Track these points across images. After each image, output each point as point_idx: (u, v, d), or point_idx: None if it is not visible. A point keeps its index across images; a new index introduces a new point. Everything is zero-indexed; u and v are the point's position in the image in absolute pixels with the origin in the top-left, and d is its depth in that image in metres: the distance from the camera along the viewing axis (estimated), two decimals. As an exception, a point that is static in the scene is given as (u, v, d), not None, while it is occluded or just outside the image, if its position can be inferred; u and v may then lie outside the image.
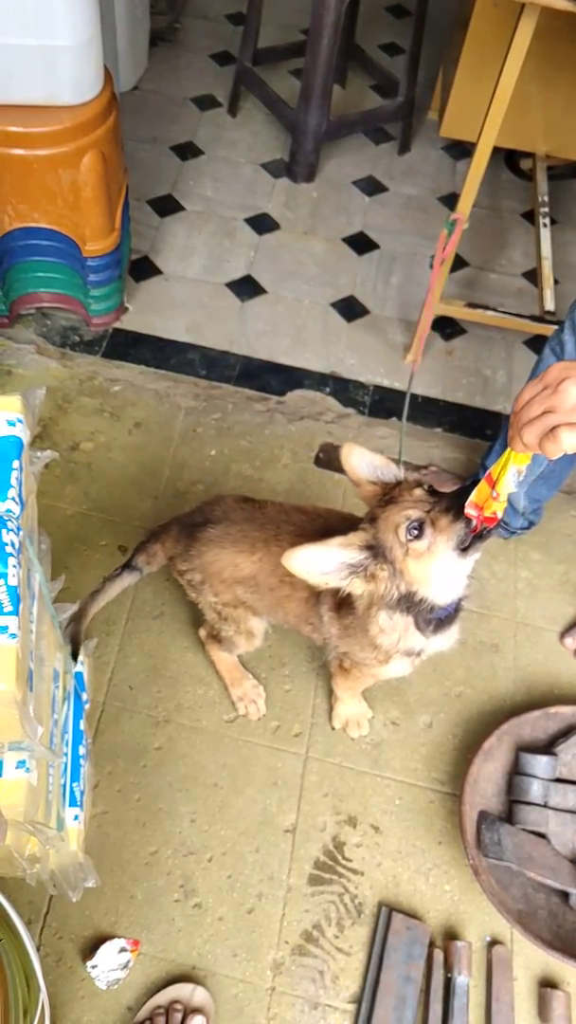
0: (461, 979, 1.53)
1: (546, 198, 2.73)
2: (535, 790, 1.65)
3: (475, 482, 1.16)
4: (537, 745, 1.74)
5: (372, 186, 2.98)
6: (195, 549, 1.60)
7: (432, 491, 1.27)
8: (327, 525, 1.52)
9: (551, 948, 1.49)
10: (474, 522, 1.18)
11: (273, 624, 1.74)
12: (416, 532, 1.22)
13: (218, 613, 1.68)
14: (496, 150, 2.02)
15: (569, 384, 0.99)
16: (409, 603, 1.30)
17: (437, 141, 3.13)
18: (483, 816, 1.62)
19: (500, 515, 1.16)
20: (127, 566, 1.73)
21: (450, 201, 2.95)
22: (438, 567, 1.25)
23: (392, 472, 1.33)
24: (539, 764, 1.67)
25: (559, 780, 1.69)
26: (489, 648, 1.96)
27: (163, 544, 1.70)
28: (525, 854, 1.59)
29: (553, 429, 1.00)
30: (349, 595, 1.35)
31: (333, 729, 1.81)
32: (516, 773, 1.69)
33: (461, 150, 3.12)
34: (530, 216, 2.91)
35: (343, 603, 1.44)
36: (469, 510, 1.16)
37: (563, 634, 1.99)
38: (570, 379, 1.00)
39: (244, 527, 1.58)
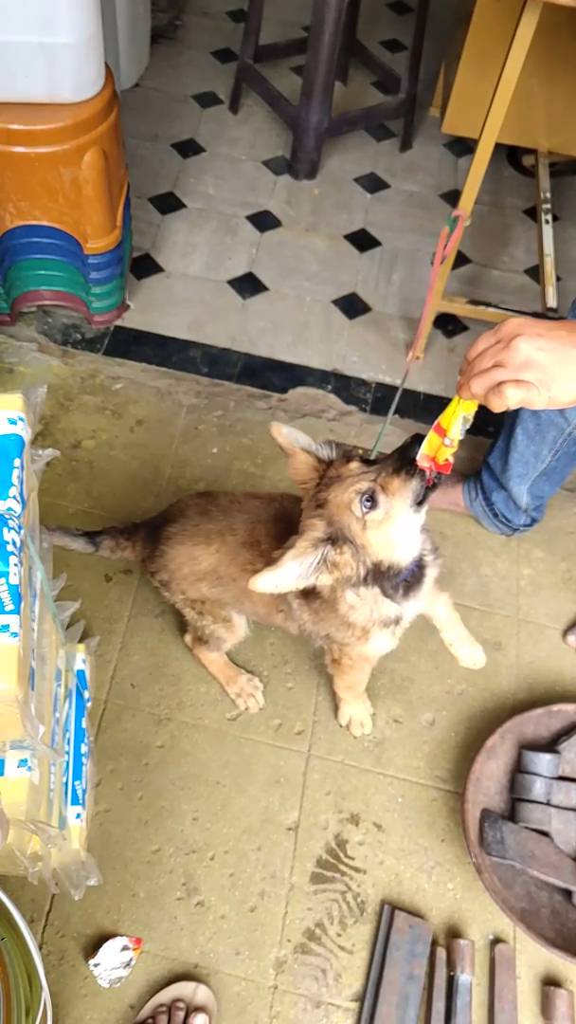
0: (464, 977, 1.53)
1: (548, 195, 2.72)
2: (538, 788, 1.65)
3: (416, 437, 1.18)
4: (540, 743, 1.74)
5: (374, 183, 2.98)
6: (158, 550, 1.65)
7: (366, 459, 1.27)
8: (282, 509, 1.54)
9: (554, 946, 1.49)
10: (428, 474, 1.20)
11: (247, 618, 1.74)
12: (370, 503, 1.22)
13: (193, 609, 1.70)
14: (498, 147, 2.02)
15: (521, 341, 1.01)
16: (376, 574, 1.30)
17: (439, 138, 3.13)
18: (486, 814, 1.62)
19: (451, 460, 1.18)
20: (90, 536, 1.77)
21: (452, 198, 2.94)
22: (398, 529, 1.25)
23: (322, 450, 1.32)
24: (542, 762, 1.67)
25: (562, 778, 1.68)
26: (492, 646, 1.95)
27: (133, 544, 1.74)
28: (528, 852, 1.58)
29: (500, 384, 1.02)
30: (316, 592, 1.36)
31: (341, 726, 1.81)
32: (519, 771, 1.69)
33: (463, 147, 3.11)
34: (532, 213, 2.90)
35: (306, 594, 1.44)
36: (423, 462, 1.18)
37: (566, 632, 1.98)
38: (523, 336, 1.02)
39: (199, 521, 1.62)
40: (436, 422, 1.15)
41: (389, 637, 1.49)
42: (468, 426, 1.14)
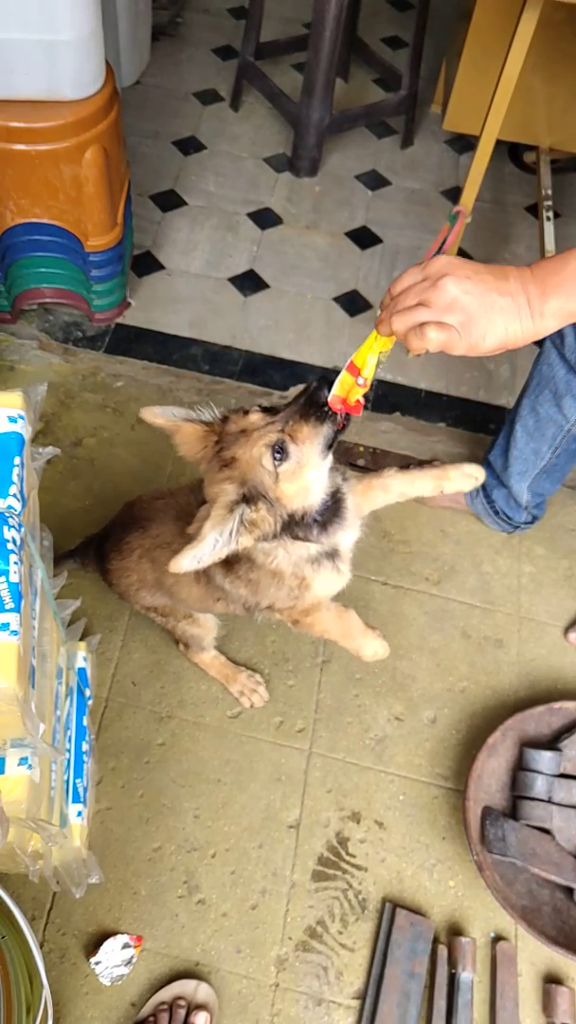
0: (465, 975, 1.53)
1: (550, 191, 2.71)
2: (539, 786, 1.65)
3: (323, 379, 1.15)
4: (541, 741, 1.74)
5: (375, 180, 2.97)
6: (103, 568, 1.67)
7: (266, 408, 1.23)
8: (185, 502, 1.53)
9: (555, 944, 1.49)
10: (338, 417, 1.17)
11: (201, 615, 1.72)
12: (280, 454, 1.17)
13: (156, 613, 1.71)
14: (499, 143, 2.02)
15: (449, 281, 0.99)
16: (291, 524, 1.25)
17: (440, 135, 3.12)
18: (487, 812, 1.62)
19: (363, 402, 1.15)
20: (69, 554, 1.81)
21: (453, 195, 2.94)
22: (311, 476, 1.21)
23: (204, 414, 1.26)
24: (543, 760, 1.67)
25: (563, 776, 1.68)
26: (493, 643, 1.95)
27: (88, 565, 1.79)
28: (529, 850, 1.58)
29: (422, 325, 1.00)
30: (234, 556, 1.30)
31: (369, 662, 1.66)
32: (520, 769, 1.69)
33: (464, 144, 3.11)
34: (534, 210, 2.90)
35: (228, 563, 1.37)
36: (335, 404, 1.15)
37: (567, 629, 1.98)
38: (451, 276, 1.00)
39: (121, 533, 1.63)
40: (350, 360, 1.12)
41: (333, 573, 1.39)
42: (382, 366, 1.11)
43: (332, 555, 1.37)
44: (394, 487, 1.45)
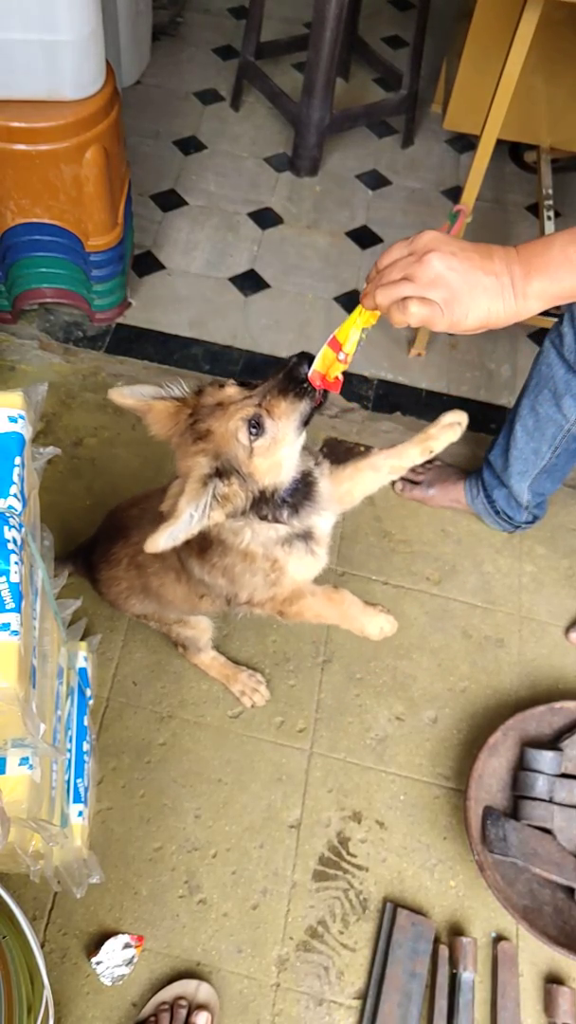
0: (466, 975, 1.53)
1: (550, 191, 2.71)
2: (540, 786, 1.65)
3: (303, 355, 1.14)
4: (542, 740, 1.74)
5: (375, 180, 2.97)
6: (93, 579, 1.69)
7: (243, 382, 1.21)
8: (147, 507, 1.53)
9: (556, 944, 1.49)
10: (317, 393, 1.16)
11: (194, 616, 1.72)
12: (256, 429, 1.15)
13: (147, 619, 1.72)
14: (500, 143, 2.01)
15: (434, 257, 0.99)
16: (261, 501, 1.23)
17: (441, 134, 3.12)
18: (488, 812, 1.62)
19: (341, 379, 1.15)
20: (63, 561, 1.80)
21: (454, 195, 2.94)
22: (284, 452, 1.20)
23: (175, 390, 1.24)
24: (544, 760, 1.67)
25: (564, 776, 1.68)
26: (494, 643, 1.95)
27: (79, 572, 1.80)
28: (530, 850, 1.58)
29: (405, 299, 1.01)
30: (206, 542, 1.30)
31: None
32: (521, 769, 1.69)
33: (465, 143, 3.11)
34: (534, 209, 2.90)
35: (202, 549, 1.37)
36: (315, 379, 1.14)
37: (568, 629, 1.98)
38: (436, 252, 1.00)
39: (106, 544, 1.64)
40: (332, 336, 1.11)
41: (307, 556, 1.36)
42: (364, 343, 1.10)
43: (306, 537, 1.35)
44: (382, 463, 1.43)
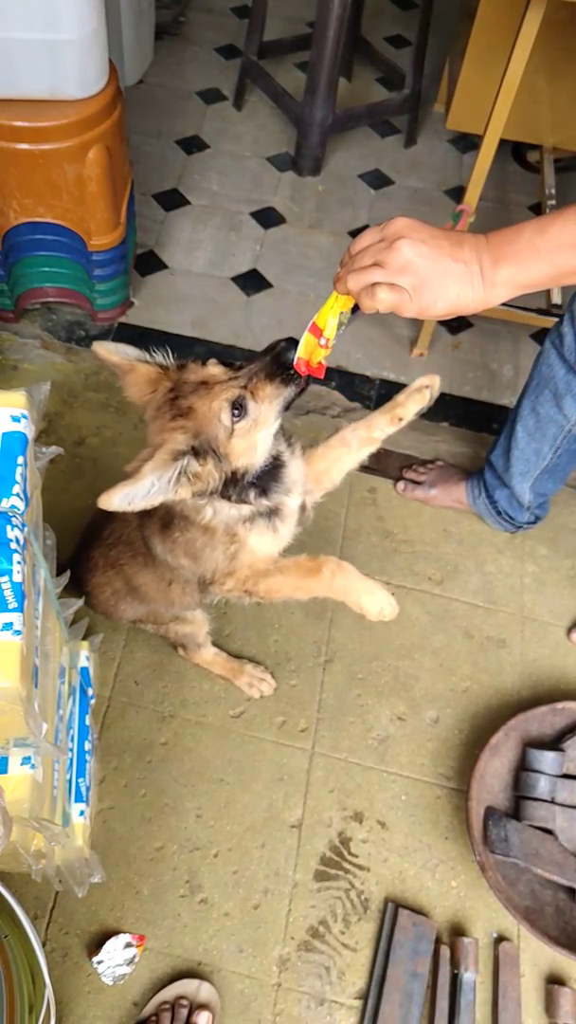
0: (468, 975, 1.53)
1: (553, 191, 2.70)
2: (542, 786, 1.65)
3: (291, 340, 1.15)
4: (544, 741, 1.74)
5: (378, 179, 2.97)
6: (81, 593, 1.69)
7: (226, 362, 1.20)
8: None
9: (558, 945, 1.49)
10: (301, 380, 1.16)
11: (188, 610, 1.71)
12: (239, 411, 1.15)
13: (141, 622, 1.72)
14: (503, 143, 2.01)
15: (404, 244, 1.01)
16: (230, 482, 1.21)
17: (443, 134, 3.12)
18: (490, 812, 1.62)
19: (325, 364, 1.15)
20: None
21: (457, 194, 2.94)
22: (262, 435, 1.20)
23: (158, 357, 1.22)
24: (546, 760, 1.67)
25: (566, 776, 1.68)
26: (496, 643, 1.95)
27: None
28: (532, 850, 1.58)
29: (374, 285, 1.01)
30: (169, 516, 1.30)
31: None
32: (523, 769, 1.69)
33: (468, 143, 3.11)
34: (537, 209, 2.89)
35: (164, 525, 1.36)
36: (299, 367, 1.14)
37: (570, 629, 1.98)
38: (406, 239, 1.01)
39: (85, 552, 1.65)
40: (312, 322, 1.12)
41: (268, 532, 1.34)
42: (343, 329, 1.11)
43: (270, 514, 1.33)
44: (351, 437, 1.43)
